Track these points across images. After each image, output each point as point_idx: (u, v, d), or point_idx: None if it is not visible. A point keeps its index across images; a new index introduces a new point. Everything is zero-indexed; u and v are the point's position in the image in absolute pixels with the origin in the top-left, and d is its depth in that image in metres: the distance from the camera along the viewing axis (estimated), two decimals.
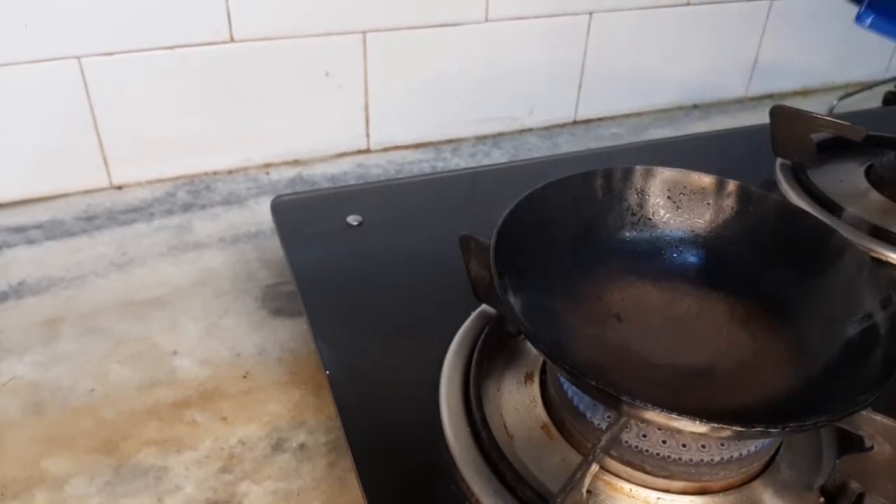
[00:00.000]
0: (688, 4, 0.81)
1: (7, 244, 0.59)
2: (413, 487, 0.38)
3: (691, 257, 0.46)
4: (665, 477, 0.36)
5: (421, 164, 0.75)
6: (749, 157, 0.70)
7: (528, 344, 0.45)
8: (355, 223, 0.58)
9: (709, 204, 0.46)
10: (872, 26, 0.42)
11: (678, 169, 0.47)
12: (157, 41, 0.62)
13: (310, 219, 0.58)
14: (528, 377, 0.43)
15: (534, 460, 0.38)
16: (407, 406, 0.42)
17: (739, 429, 0.31)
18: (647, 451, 0.36)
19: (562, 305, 0.42)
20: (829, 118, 0.64)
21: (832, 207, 0.60)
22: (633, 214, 0.47)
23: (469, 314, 0.46)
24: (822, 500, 0.37)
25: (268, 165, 0.72)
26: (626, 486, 0.37)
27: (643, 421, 0.35)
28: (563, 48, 0.78)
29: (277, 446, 0.43)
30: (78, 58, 0.60)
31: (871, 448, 0.37)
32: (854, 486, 0.36)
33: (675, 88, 0.88)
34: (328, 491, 0.41)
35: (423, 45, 0.72)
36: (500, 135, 0.81)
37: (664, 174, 0.47)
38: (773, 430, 0.32)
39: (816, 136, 0.65)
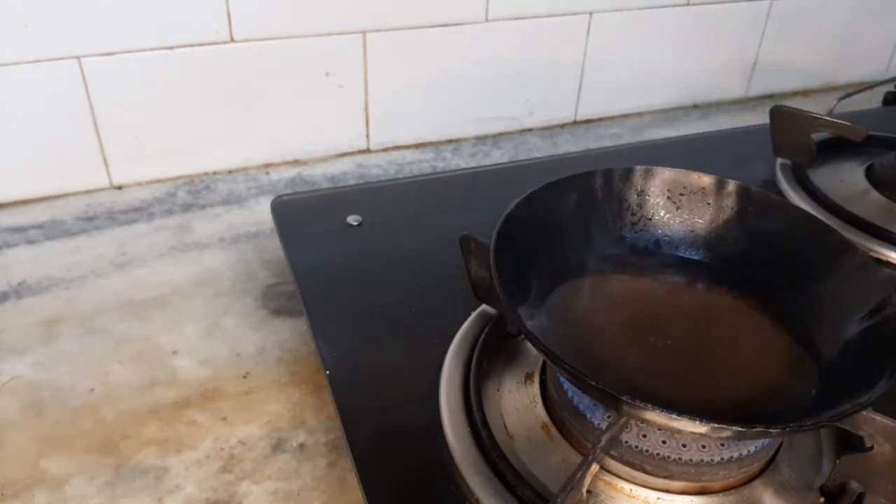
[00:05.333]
0: (688, 4, 0.81)
1: (7, 244, 0.59)
2: (413, 487, 0.38)
3: (691, 257, 0.46)
4: (665, 477, 0.36)
5: (421, 164, 0.75)
6: (749, 157, 0.70)
7: (528, 344, 0.45)
8: (355, 223, 0.58)
9: (709, 204, 0.46)
10: None
11: (678, 169, 0.47)
12: (157, 41, 0.62)
13: (310, 219, 0.58)
14: (528, 377, 0.43)
15: (534, 460, 0.38)
16: (407, 406, 0.42)
17: (739, 429, 0.31)
18: (647, 451, 0.36)
19: (561, 305, 0.42)
20: (829, 118, 0.64)
21: (832, 207, 0.60)
22: (633, 214, 0.47)
23: (469, 314, 0.47)
24: (822, 500, 0.37)
25: (268, 165, 0.72)
26: (626, 486, 0.37)
27: (643, 421, 0.35)
28: (563, 48, 0.78)
29: (277, 446, 0.43)
30: (78, 58, 0.60)
31: (871, 448, 0.37)
32: (854, 486, 0.36)
33: (675, 88, 0.88)
34: (328, 491, 0.41)
35: (423, 45, 0.72)
36: (500, 135, 0.81)
37: (664, 174, 0.47)
38: (773, 431, 0.32)
39: (816, 136, 0.65)
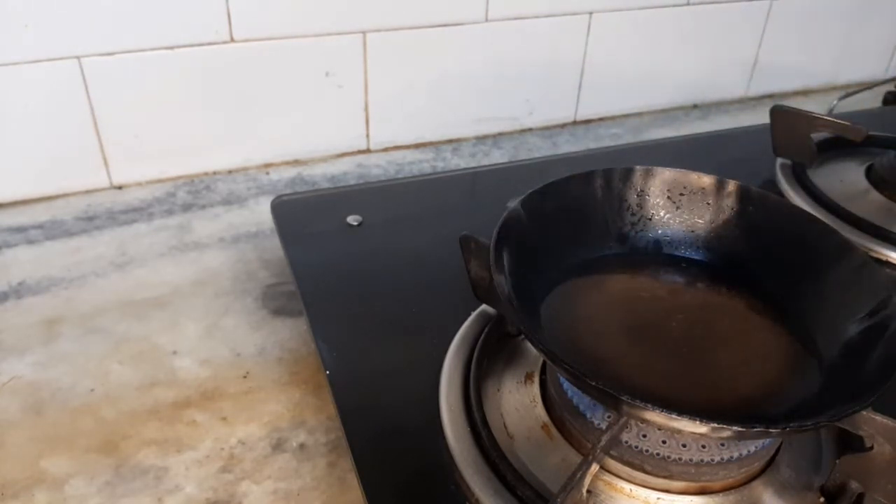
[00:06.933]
0: (688, 4, 0.81)
1: (7, 244, 0.59)
2: (413, 487, 0.38)
3: (691, 258, 0.46)
4: (665, 477, 0.36)
5: (421, 164, 0.75)
6: (749, 157, 0.70)
7: (528, 344, 0.45)
8: (355, 223, 0.58)
9: (709, 204, 0.46)
10: None
11: (678, 169, 0.47)
12: (157, 41, 0.62)
13: (310, 219, 0.59)
14: (528, 377, 0.43)
15: (534, 460, 0.38)
16: (407, 406, 0.42)
17: (739, 429, 0.31)
18: (647, 451, 0.36)
19: (561, 305, 0.42)
20: (829, 118, 0.64)
21: (832, 207, 0.60)
22: (633, 214, 0.47)
23: (469, 314, 0.47)
24: (822, 500, 0.37)
25: (268, 165, 0.72)
26: (626, 486, 0.37)
27: (643, 421, 0.35)
28: (563, 48, 0.78)
29: (277, 446, 0.43)
30: (78, 58, 0.60)
31: (871, 448, 0.37)
32: (854, 486, 0.36)
33: (675, 88, 0.88)
34: (328, 491, 0.41)
35: (423, 45, 0.72)
36: (500, 135, 0.81)
37: (664, 174, 0.47)
38: (773, 431, 0.32)
39: (816, 136, 0.65)
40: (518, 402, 0.42)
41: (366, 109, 0.73)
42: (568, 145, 0.80)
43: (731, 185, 0.46)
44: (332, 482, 0.41)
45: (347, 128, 0.74)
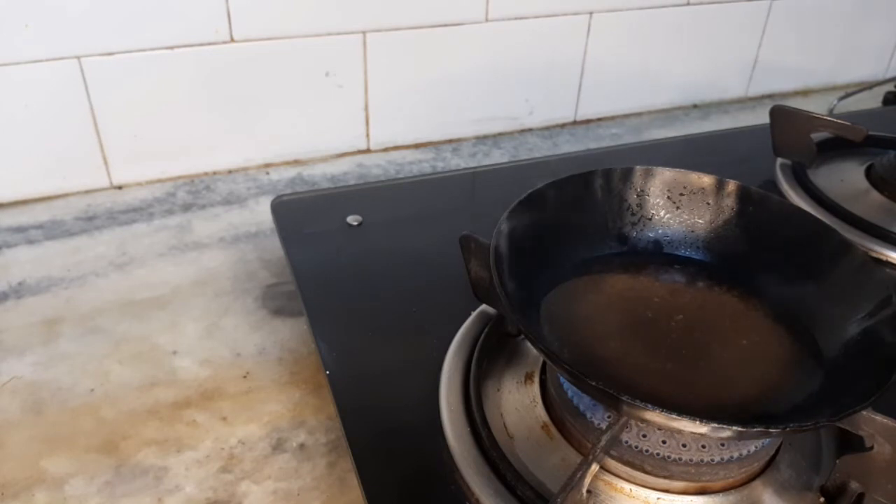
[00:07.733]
0: (688, 4, 0.81)
1: (7, 244, 0.59)
2: (413, 487, 0.38)
3: (691, 257, 0.46)
4: (665, 477, 0.36)
5: (421, 164, 0.75)
6: (749, 157, 0.71)
7: (528, 344, 0.45)
8: (355, 223, 0.58)
9: (709, 204, 0.46)
10: None
11: (678, 169, 0.47)
12: (157, 41, 0.62)
13: (310, 219, 0.59)
14: (528, 377, 0.43)
15: (534, 460, 0.38)
16: (407, 406, 0.42)
17: (739, 429, 0.31)
18: (647, 451, 0.36)
19: (561, 305, 0.42)
20: (829, 118, 0.64)
21: (832, 207, 0.60)
22: (633, 214, 0.47)
23: (469, 314, 0.47)
24: (822, 500, 0.37)
25: (268, 165, 0.72)
26: (626, 486, 0.37)
27: (643, 421, 0.35)
28: (563, 48, 0.78)
29: (277, 446, 0.43)
30: (78, 58, 0.60)
31: (871, 448, 0.37)
32: (854, 486, 0.36)
33: (675, 88, 0.88)
34: (328, 491, 0.41)
35: (423, 45, 0.72)
36: (500, 135, 0.81)
37: (664, 174, 0.47)
38: (774, 430, 0.32)
39: (816, 136, 0.65)
40: (518, 402, 0.42)
41: (366, 109, 0.73)
42: (568, 145, 0.80)
43: (731, 185, 0.46)
44: (332, 482, 0.41)
45: (347, 128, 0.74)
